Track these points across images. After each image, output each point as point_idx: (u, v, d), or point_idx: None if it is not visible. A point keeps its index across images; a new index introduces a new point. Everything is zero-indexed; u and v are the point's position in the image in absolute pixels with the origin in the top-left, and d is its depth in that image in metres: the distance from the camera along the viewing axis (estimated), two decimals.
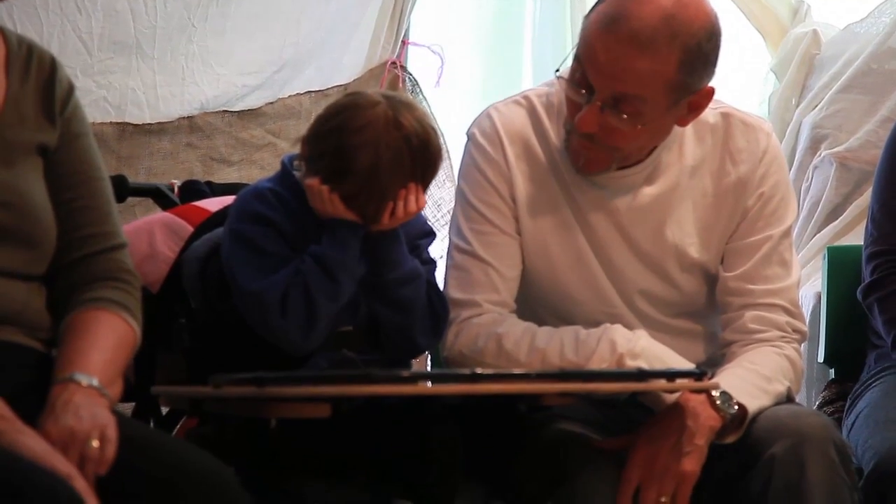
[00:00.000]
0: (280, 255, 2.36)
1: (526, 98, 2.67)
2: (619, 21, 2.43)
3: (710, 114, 2.64)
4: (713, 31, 2.49)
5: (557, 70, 2.53)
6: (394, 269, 2.40)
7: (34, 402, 2.01)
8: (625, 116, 2.46)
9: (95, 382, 2.05)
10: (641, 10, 2.43)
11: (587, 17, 2.51)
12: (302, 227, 2.39)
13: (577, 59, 2.50)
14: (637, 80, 2.44)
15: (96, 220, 2.24)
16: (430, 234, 2.53)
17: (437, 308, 2.46)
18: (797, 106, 4.33)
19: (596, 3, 2.52)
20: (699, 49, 2.46)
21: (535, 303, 2.66)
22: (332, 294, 2.34)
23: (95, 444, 1.95)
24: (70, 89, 2.26)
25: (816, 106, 4.26)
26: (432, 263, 2.49)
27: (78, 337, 2.13)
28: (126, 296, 2.21)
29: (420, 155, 2.36)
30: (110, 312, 2.18)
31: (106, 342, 2.14)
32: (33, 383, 2.08)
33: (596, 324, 2.55)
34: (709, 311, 2.70)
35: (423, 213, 2.49)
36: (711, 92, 2.54)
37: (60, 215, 2.20)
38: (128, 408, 2.71)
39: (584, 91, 2.48)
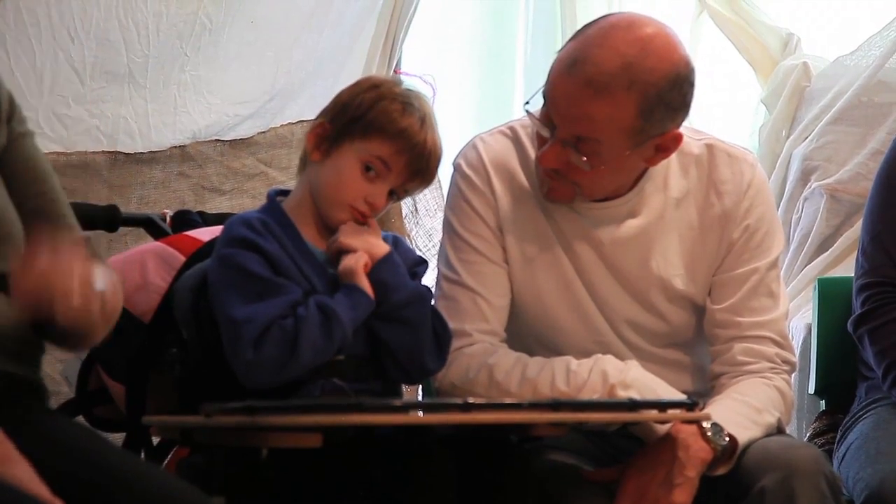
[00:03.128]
0: (266, 278, 2.36)
1: (511, 129, 2.68)
2: (578, 64, 2.44)
3: (694, 145, 2.64)
4: (676, 80, 2.47)
5: (527, 103, 2.55)
6: (398, 292, 2.41)
7: (23, 435, 2.01)
8: (584, 158, 2.47)
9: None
10: (601, 54, 2.44)
11: (559, 52, 2.52)
12: (289, 257, 2.40)
13: (543, 95, 2.51)
14: (593, 124, 2.45)
15: (63, 213, 2.27)
16: (424, 263, 2.54)
17: (439, 331, 2.46)
18: (787, 138, 4.34)
19: (569, 40, 2.53)
20: (659, 97, 2.45)
21: (524, 333, 2.67)
22: (320, 349, 2.33)
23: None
24: (10, 97, 2.27)
25: (806, 138, 4.27)
26: (428, 292, 2.50)
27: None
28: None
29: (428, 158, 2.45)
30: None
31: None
32: (22, 416, 2.08)
33: (585, 353, 2.56)
34: (697, 343, 2.71)
35: (414, 242, 2.51)
36: (679, 137, 2.53)
37: (29, 210, 2.21)
38: (119, 437, 2.71)
39: (547, 128, 2.50)
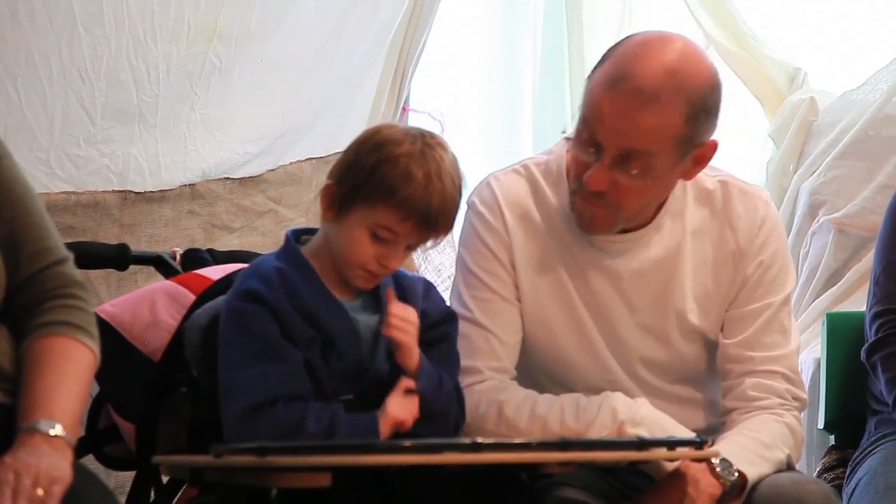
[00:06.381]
0: (268, 340, 2.34)
1: (525, 167, 2.69)
2: (623, 79, 2.45)
3: (708, 181, 2.66)
4: (715, 85, 2.52)
5: (564, 131, 2.55)
6: (435, 401, 2.40)
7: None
8: (634, 172, 2.48)
9: (61, 431, 2.09)
10: (645, 66, 2.45)
11: (590, 77, 2.53)
12: (300, 307, 2.37)
13: (582, 120, 2.51)
14: (645, 136, 2.45)
15: (39, 236, 2.25)
16: (453, 316, 2.52)
17: (460, 422, 2.47)
18: (795, 172, 4.35)
19: (598, 64, 2.54)
20: (704, 102, 2.48)
21: (535, 369, 2.67)
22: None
23: (40, 492, 1.98)
24: None
25: (814, 172, 4.28)
26: (457, 389, 2.48)
27: (40, 374, 2.15)
28: (80, 313, 2.23)
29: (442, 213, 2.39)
30: (68, 338, 2.20)
31: (69, 377, 2.16)
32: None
33: (596, 391, 2.56)
34: (708, 379, 2.71)
35: (436, 289, 2.52)
36: (715, 145, 2.55)
37: (2, 236, 2.20)
38: (128, 476, 2.71)
39: (592, 150, 2.50)
